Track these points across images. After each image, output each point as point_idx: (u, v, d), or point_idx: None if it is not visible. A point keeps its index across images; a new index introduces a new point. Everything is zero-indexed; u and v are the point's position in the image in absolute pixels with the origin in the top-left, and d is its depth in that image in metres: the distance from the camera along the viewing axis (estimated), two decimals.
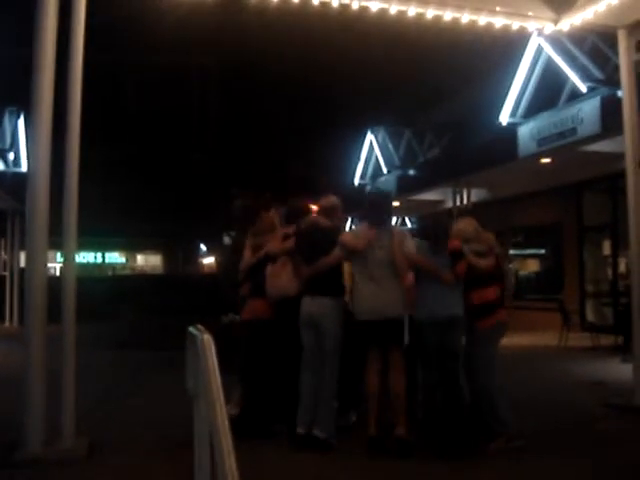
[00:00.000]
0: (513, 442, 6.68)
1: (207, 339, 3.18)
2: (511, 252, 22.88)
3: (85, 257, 43.00)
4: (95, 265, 45.12)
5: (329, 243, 7.03)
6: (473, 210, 18.95)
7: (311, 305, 6.92)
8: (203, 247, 49.53)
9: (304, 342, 6.97)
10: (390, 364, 6.82)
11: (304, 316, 6.94)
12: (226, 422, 2.86)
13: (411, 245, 6.90)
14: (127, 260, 48.57)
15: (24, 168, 23.50)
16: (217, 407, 2.90)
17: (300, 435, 6.78)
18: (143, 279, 36.09)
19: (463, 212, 8.26)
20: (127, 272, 44.95)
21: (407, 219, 28.79)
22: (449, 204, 21.56)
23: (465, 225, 7.30)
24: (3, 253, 27.27)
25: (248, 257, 7.64)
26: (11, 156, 25.70)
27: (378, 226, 7.00)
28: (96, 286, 26.42)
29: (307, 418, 6.83)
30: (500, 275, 7.32)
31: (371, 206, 7.19)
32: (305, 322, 6.95)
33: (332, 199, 7.63)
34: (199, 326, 3.53)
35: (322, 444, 6.63)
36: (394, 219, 27.75)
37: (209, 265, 46.45)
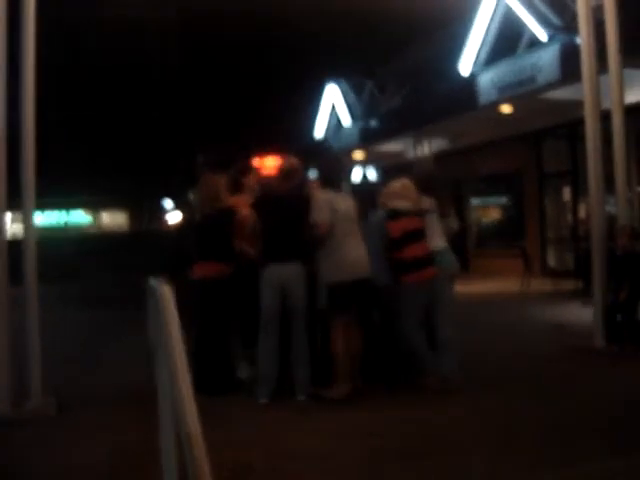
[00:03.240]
0: (448, 383, 6.93)
1: (166, 290, 3.20)
2: (473, 201, 23.09)
3: (49, 217, 42.56)
4: (60, 225, 44.70)
5: (288, 210, 7.07)
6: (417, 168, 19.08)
7: (281, 271, 6.89)
8: (169, 204, 49.17)
9: (269, 307, 6.91)
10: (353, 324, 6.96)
11: (274, 281, 6.89)
12: (186, 372, 2.88)
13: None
14: (93, 219, 48.13)
15: None
16: (176, 357, 2.91)
17: (265, 403, 6.82)
18: (109, 237, 35.90)
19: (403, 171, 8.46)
20: (92, 231, 44.60)
21: (373, 170, 28.83)
22: (411, 154, 21.65)
23: (395, 185, 7.48)
24: None
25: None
26: None
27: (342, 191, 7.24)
28: (61, 246, 26.29)
29: (268, 389, 6.87)
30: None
31: (331, 172, 7.33)
32: (274, 287, 6.89)
33: (292, 161, 7.52)
34: (159, 278, 3.59)
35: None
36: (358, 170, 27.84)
37: (175, 223, 46.13)
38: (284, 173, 7.34)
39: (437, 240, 7.42)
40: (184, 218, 9.31)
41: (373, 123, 25.45)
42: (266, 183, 7.48)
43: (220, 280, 7.23)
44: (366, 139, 24.35)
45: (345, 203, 7.06)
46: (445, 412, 6.28)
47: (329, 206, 6.90)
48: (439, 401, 6.62)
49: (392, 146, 23.23)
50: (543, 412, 6.18)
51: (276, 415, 6.42)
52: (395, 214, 7.19)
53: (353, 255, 6.87)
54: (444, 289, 7.36)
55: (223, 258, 7.31)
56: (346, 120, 28.04)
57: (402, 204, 7.23)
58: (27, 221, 7.23)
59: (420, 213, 7.30)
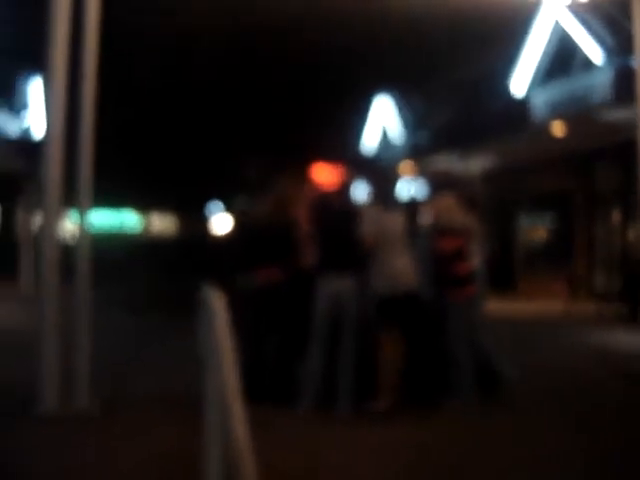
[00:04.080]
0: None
1: (218, 301, 3.18)
2: (522, 221, 22.86)
3: (99, 220, 42.98)
4: (111, 228, 45.13)
5: (344, 223, 7.15)
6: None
7: (337, 281, 6.96)
8: (218, 209, 49.37)
9: (321, 313, 6.98)
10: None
11: (329, 291, 6.96)
12: (237, 386, 2.87)
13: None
14: (142, 222, 48.50)
15: (39, 133, 23.53)
16: (227, 368, 2.91)
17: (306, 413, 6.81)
18: (158, 241, 36.12)
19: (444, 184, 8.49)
20: (141, 235, 44.93)
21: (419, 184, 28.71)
22: (458, 170, 21.54)
23: (444, 202, 7.53)
24: (19, 216, 27.38)
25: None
26: (26, 120, 25.73)
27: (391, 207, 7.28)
28: (112, 249, 26.54)
29: (311, 399, 6.90)
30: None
31: (380, 187, 7.42)
32: (330, 296, 6.96)
33: (347, 175, 7.63)
34: (212, 287, 3.59)
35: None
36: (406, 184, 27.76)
37: (224, 227, 46.26)
38: (342, 186, 7.48)
39: (476, 259, 7.47)
40: (240, 224, 9.26)
41: (422, 137, 25.38)
42: (324, 195, 7.54)
43: (281, 285, 7.27)
44: (413, 153, 24.29)
45: (393, 218, 7.14)
46: (489, 433, 6.25)
47: (375, 220, 7.00)
48: (478, 420, 6.58)
49: (440, 161, 23.13)
50: (591, 443, 6.04)
51: (317, 426, 6.42)
52: (445, 230, 7.24)
53: (399, 269, 6.92)
54: (478, 307, 7.43)
55: (284, 265, 7.36)
56: (395, 134, 28.00)
57: (451, 221, 7.26)
58: (82, 223, 7.36)
59: (466, 231, 7.33)
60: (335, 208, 7.33)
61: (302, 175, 8.14)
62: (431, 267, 7.29)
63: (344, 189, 7.44)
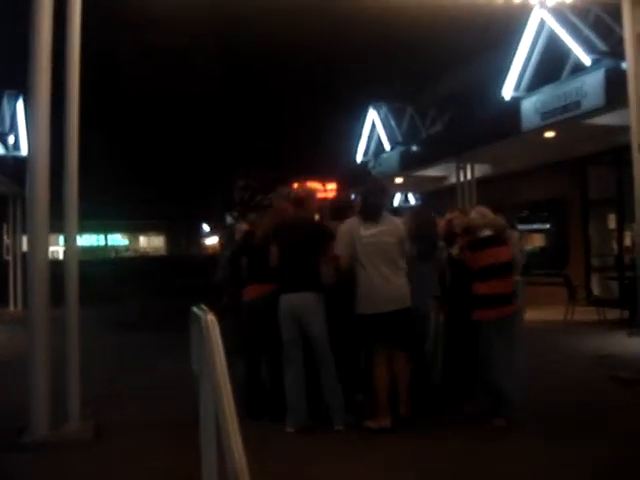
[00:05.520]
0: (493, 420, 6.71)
1: (211, 319, 3.16)
2: (517, 227, 22.78)
3: (88, 240, 42.98)
4: (98, 248, 45.11)
5: (300, 238, 6.90)
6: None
7: (295, 300, 6.73)
8: (206, 227, 49.50)
9: (286, 338, 6.79)
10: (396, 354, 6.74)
11: (288, 311, 6.75)
12: (231, 402, 2.85)
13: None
14: (130, 242, 48.55)
15: (24, 152, 23.43)
16: (222, 387, 2.89)
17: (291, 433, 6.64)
18: (146, 261, 36.12)
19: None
20: (130, 254, 44.97)
21: (410, 195, 28.69)
22: (452, 180, 21.47)
23: (475, 215, 7.21)
24: (6, 237, 27.22)
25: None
26: (11, 140, 25.65)
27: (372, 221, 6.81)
28: (99, 269, 26.46)
29: (296, 418, 6.72)
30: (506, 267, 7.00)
31: (368, 199, 7.00)
32: (289, 317, 6.75)
33: (305, 188, 7.54)
34: (203, 306, 3.51)
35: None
36: (397, 196, 27.71)
37: (212, 246, 46.50)
38: (295, 200, 7.19)
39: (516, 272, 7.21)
40: (231, 242, 9.10)
41: (414, 148, 25.37)
42: (282, 210, 7.32)
43: (271, 301, 7.04)
44: (407, 164, 24.24)
45: (377, 232, 6.73)
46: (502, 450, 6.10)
47: (349, 237, 6.70)
48: (488, 435, 6.44)
49: (433, 171, 23.08)
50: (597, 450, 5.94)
51: (307, 445, 6.30)
52: (479, 244, 6.92)
53: (377, 288, 6.61)
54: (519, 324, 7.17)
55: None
56: (387, 145, 28.00)
57: (485, 231, 6.98)
58: (69, 243, 7.25)
59: (504, 240, 7.03)
60: (294, 225, 7.01)
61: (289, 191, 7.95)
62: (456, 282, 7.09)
63: (300, 202, 7.10)
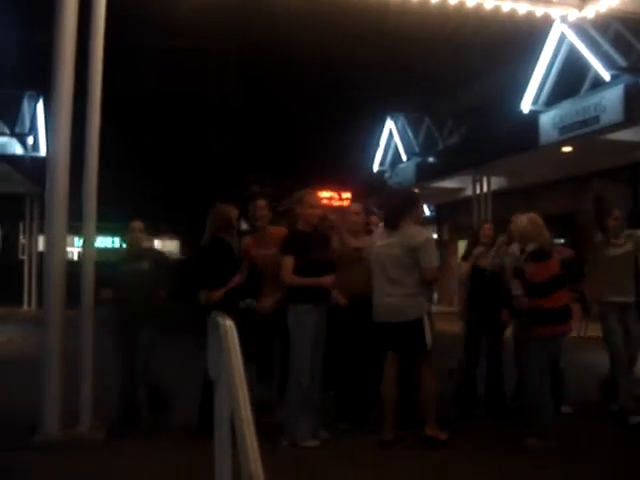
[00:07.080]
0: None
1: (229, 325, 3.15)
2: None
3: (103, 242, 43.05)
4: (113, 250, 45.13)
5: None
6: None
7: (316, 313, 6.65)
8: None
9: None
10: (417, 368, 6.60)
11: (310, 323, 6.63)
12: (248, 408, 2.84)
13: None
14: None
15: (43, 152, 23.58)
16: (239, 393, 2.88)
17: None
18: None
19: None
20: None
21: (426, 207, 28.65)
22: (469, 192, 21.44)
23: (524, 223, 6.86)
24: (22, 237, 27.37)
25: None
26: (30, 140, 25.81)
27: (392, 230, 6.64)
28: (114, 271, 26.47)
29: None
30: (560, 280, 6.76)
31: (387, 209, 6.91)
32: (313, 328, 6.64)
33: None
34: (221, 312, 3.52)
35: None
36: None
37: None
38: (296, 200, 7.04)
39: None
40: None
41: (431, 159, 25.33)
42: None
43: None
44: (423, 175, 24.22)
45: (388, 243, 6.56)
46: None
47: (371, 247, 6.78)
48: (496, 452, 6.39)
49: (449, 183, 23.05)
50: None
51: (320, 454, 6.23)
52: (538, 255, 6.68)
53: (379, 298, 6.53)
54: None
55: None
56: (404, 155, 27.97)
57: (541, 243, 6.75)
58: (87, 245, 7.28)
59: (553, 252, 6.87)
60: (308, 237, 6.83)
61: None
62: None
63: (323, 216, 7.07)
